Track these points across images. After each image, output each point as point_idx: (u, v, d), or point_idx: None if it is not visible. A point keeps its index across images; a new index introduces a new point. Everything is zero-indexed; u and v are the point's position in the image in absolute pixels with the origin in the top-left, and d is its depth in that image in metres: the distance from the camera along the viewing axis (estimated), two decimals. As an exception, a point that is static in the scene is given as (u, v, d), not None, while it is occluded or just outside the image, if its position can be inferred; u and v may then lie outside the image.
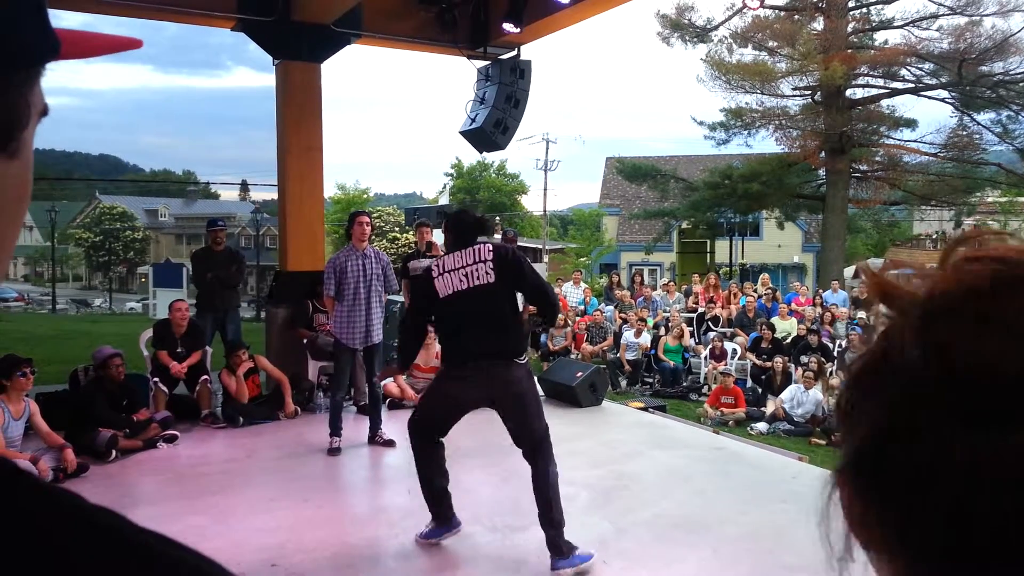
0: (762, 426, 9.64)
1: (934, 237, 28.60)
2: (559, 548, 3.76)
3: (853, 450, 0.43)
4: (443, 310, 3.88)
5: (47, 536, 0.35)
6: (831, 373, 10.73)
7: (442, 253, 8.06)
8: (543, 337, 12.95)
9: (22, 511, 0.35)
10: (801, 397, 9.72)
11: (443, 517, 4.20)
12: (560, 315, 13.22)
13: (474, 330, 3.78)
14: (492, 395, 3.88)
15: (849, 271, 27.55)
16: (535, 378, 3.94)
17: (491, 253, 3.82)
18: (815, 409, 9.58)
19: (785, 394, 9.91)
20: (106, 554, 0.36)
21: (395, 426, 6.74)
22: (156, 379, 6.94)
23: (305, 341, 7.81)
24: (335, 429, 6.17)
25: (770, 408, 9.98)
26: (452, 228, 4.04)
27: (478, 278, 3.78)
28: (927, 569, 0.40)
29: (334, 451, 6.12)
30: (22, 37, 0.40)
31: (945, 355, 0.38)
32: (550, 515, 3.78)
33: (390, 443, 6.32)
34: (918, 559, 0.40)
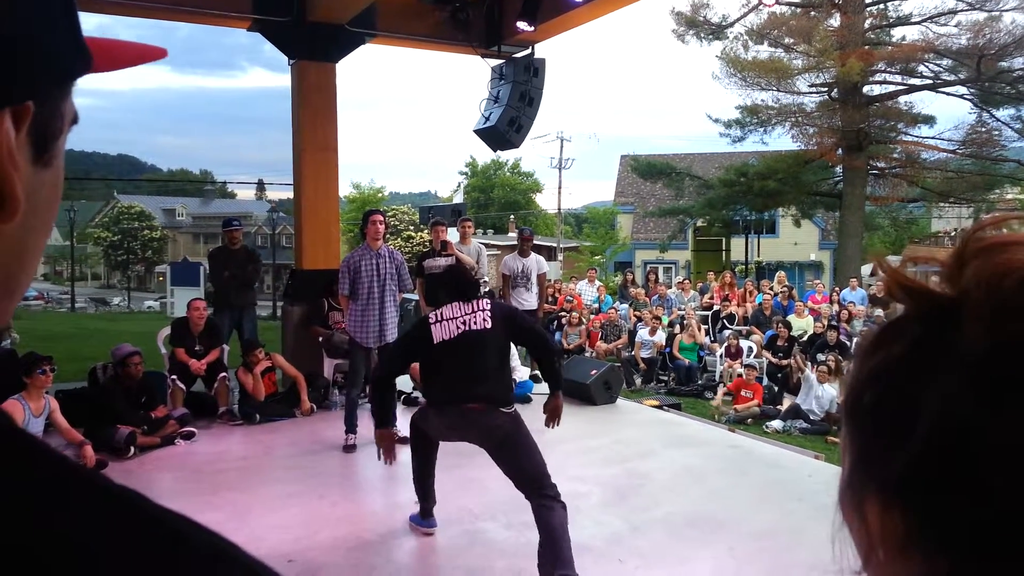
0: (777, 424, 9.59)
1: (952, 234, 28.33)
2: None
3: (905, 460, 0.40)
4: (434, 355, 3.86)
5: (73, 513, 0.36)
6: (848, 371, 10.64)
7: (456, 251, 8.13)
8: (557, 335, 12.95)
9: (51, 489, 0.36)
10: (818, 390, 9.68)
11: (426, 510, 4.43)
12: (575, 313, 13.23)
13: (462, 374, 3.77)
14: (473, 439, 3.88)
15: (867, 269, 27.33)
16: (522, 424, 3.82)
17: (488, 303, 3.91)
18: (829, 405, 9.54)
19: (800, 395, 9.90)
20: (130, 528, 0.37)
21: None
22: (174, 376, 7.00)
23: (320, 339, 7.86)
24: (350, 426, 6.20)
25: (786, 404, 9.94)
26: (449, 283, 4.10)
27: (475, 324, 3.81)
28: None
29: (349, 448, 6.15)
30: (60, 54, 0.42)
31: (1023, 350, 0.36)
32: (559, 558, 3.51)
33: (404, 440, 6.31)
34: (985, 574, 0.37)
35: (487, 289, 9.10)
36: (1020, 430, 0.36)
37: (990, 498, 0.37)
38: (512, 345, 4.48)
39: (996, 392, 0.37)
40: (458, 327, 3.81)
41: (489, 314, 3.84)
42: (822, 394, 9.61)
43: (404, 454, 6.20)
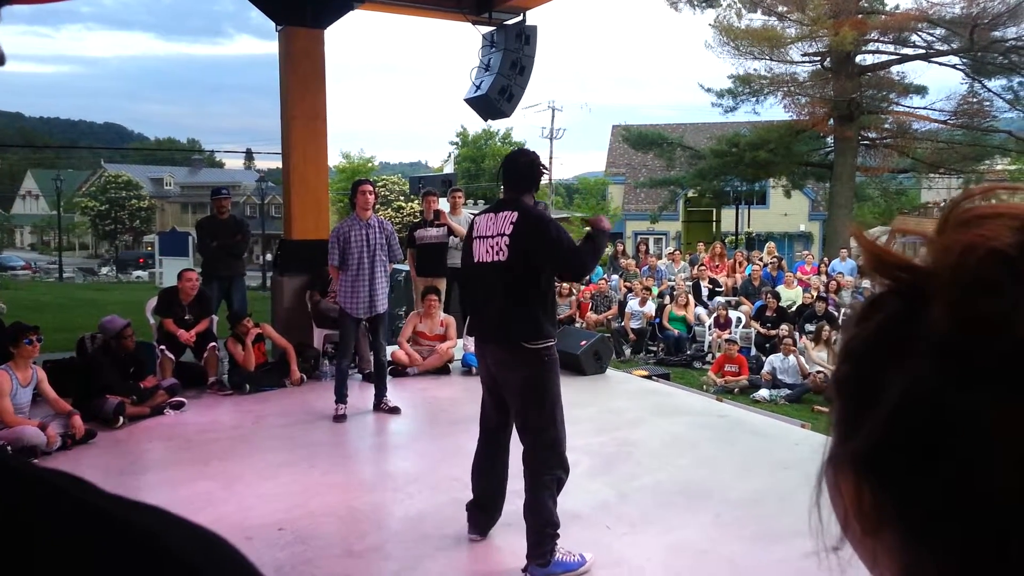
0: (764, 393, 9.70)
1: (942, 205, 28.39)
2: (533, 555, 3.51)
3: (871, 436, 0.40)
4: (471, 274, 3.69)
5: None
6: (835, 341, 10.78)
7: (448, 221, 8.08)
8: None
9: None
10: (782, 364, 9.85)
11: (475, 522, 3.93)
12: (565, 283, 13.23)
13: (486, 306, 3.61)
14: (494, 376, 3.68)
15: (856, 240, 27.32)
16: (550, 369, 3.52)
17: (511, 227, 3.47)
18: (798, 375, 9.74)
19: (767, 365, 10.05)
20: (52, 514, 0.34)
21: (400, 394, 6.79)
22: (163, 347, 6.98)
23: (309, 307, 7.86)
24: (340, 396, 6.22)
25: (765, 370, 10.10)
26: (502, 173, 3.69)
27: (497, 253, 3.51)
28: (963, 565, 0.37)
29: (340, 418, 6.17)
30: None
31: (989, 328, 0.35)
32: (531, 524, 3.50)
33: (395, 410, 6.37)
34: (949, 554, 0.37)
35: None
36: (981, 414, 0.35)
37: (951, 483, 0.36)
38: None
39: (959, 374, 0.36)
40: (486, 251, 3.56)
41: (508, 242, 3.47)
42: (788, 366, 9.82)
43: (397, 422, 6.25)
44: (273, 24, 8.14)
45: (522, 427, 3.60)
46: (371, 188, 6.27)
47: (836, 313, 11.65)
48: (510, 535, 3.85)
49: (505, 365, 3.57)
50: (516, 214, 3.51)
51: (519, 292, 3.50)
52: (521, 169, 3.63)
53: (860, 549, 0.43)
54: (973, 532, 0.36)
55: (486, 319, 3.65)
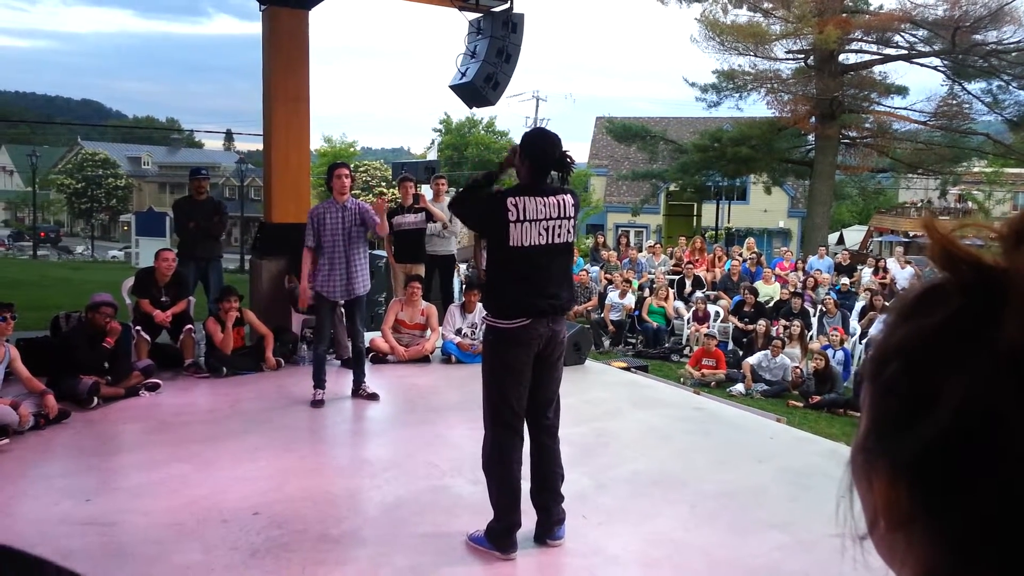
0: (740, 387, 9.77)
1: (919, 205, 28.73)
2: (562, 519, 3.81)
3: (922, 439, 0.38)
4: (511, 258, 3.50)
5: None
6: (810, 338, 10.88)
7: (428, 204, 8.00)
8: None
9: None
10: (768, 363, 9.90)
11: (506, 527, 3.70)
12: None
13: (543, 285, 3.54)
14: (542, 351, 3.62)
15: (833, 237, 27.70)
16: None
17: (574, 209, 3.56)
18: (783, 374, 9.77)
19: (753, 359, 10.08)
20: None
21: (379, 380, 6.77)
22: (138, 327, 6.90)
23: (286, 288, 7.80)
24: (318, 381, 6.18)
25: (746, 366, 10.14)
26: (533, 159, 3.56)
27: (559, 236, 3.51)
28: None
29: (317, 403, 6.14)
30: None
31: None
32: (559, 488, 3.83)
33: (374, 396, 6.34)
34: (989, 567, 0.36)
35: (459, 246, 9.02)
36: None
37: (1005, 496, 0.35)
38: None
39: None
40: (540, 234, 3.48)
41: (573, 224, 3.59)
42: (775, 365, 9.85)
43: (375, 408, 6.23)
44: (253, 4, 8.03)
45: (555, 396, 3.83)
46: (348, 172, 6.20)
47: (810, 310, 11.76)
48: (484, 523, 3.85)
49: (560, 336, 3.71)
50: (571, 200, 3.60)
51: (571, 265, 3.76)
52: (562, 155, 3.59)
53: (883, 542, 0.42)
54: (1020, 551, 0.35)
55: (548, 297, 3.56)
